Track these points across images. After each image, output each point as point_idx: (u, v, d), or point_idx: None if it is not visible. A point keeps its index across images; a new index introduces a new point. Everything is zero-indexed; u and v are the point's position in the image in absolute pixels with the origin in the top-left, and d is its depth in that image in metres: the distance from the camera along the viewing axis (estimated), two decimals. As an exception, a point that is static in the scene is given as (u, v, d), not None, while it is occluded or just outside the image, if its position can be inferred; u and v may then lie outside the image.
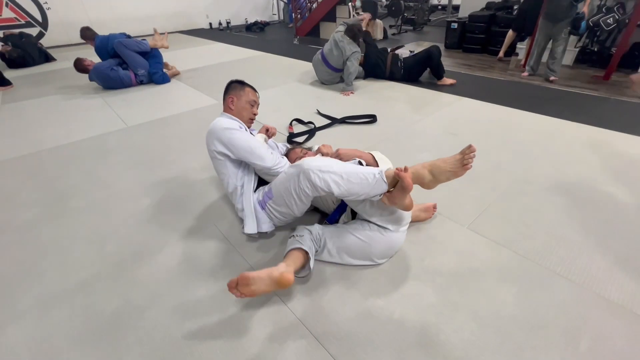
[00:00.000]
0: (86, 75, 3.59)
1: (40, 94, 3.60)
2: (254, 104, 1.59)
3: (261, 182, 1.48)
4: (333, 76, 3.40)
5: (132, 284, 1.24)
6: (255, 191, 1.42)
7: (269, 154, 1.37)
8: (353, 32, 3.12)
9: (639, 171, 1.81)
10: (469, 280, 1.19)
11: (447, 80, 3.35)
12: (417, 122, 2.53)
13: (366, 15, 3.68)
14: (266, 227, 1.36)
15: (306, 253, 1.16)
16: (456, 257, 1.29)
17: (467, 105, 2.85)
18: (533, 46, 3.82)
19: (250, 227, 1.34)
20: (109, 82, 3.52)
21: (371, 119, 2.56)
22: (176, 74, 4.04)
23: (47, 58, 5.20)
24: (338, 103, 2.97)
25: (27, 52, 4.92)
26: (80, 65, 3.56)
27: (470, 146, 1.07)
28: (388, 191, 1.10)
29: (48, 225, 1.58)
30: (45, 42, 6.06)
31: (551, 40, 3.64)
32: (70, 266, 1.33)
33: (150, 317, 1.11)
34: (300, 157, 1.47)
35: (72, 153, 2.28)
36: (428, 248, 1.34)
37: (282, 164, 1.39)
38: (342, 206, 1.35)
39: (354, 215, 1.33)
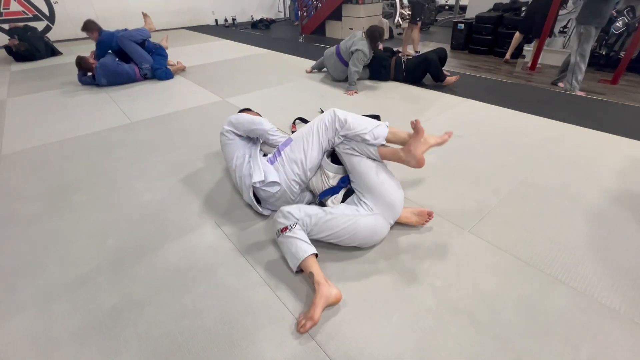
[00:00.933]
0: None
1: (46, 87, 3.62)
2: None
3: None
4: (343, 71, 3.35)
5: (132, 279, 1.25)
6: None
7: (267, 121, 1.61)
8: (374, 34, 3.11)
9: (645, 178, 1.78)
10: (469, 284, 1.19)
11: (450, 80, 3.28)
12: (422, 123, 2.51)
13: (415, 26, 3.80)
14: (273, 176, 1.41)
15: (316, 255, 1.19)
16: (456, 261, 1.28)
17: (472, 107, 2.83)
18: (581, 59, 3.42)
19: (258, 176, 1.41)
20: (116, 77, 3.52)
21: (374, 119, 2.54)
22: (181, 69, 4.04)
23: (53, 52, 5.23)
24: (342, 102, 2.96)
25: (33, 45, 4.95)
26: (86, 64, 3.49)
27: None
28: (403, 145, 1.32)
29: (51, 218, 1.59)
30: (52, 36, 6.09)
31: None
32: (72, 260, 1.34)
33: (150, 312, 1.11)
34: None
35: (76, 147, 2.29)
36: (428, 251, 1.33)
37: (280, 135, 1.61)
38: (334, 188, 1.40)
39: (344, 200, 1.38)
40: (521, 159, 1.99)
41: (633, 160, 1.95)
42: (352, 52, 3.13)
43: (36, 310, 1.14)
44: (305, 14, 7.03)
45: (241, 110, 1.89)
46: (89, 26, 3.54)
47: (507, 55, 4.75)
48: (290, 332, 1.04)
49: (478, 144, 2.17)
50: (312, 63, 4.01)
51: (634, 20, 3.98)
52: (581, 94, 3.40)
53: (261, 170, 1.43)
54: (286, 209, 1.26)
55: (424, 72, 3.38)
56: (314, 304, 1.04)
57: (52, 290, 1.21)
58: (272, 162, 1.46)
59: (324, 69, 3.73)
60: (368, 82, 3.47)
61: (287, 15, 9.65)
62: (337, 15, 6.54)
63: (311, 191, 1.53)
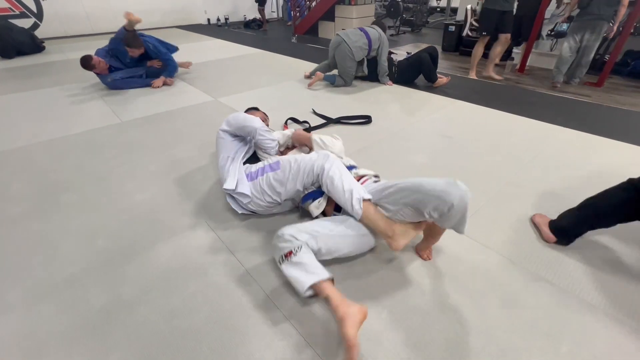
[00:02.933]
0: (78, 68, 3.32)
1: (34, 86, 3.56)
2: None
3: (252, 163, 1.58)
4: (364, 52, 3.20)
5: (121, 280, 1.24)
6: (244, 164, 1.54)
7: (259, 121, 1.57)
8: (383, 26, 3.24)
9: (628, 177, 1.83)
10: (456, 282, 1.21)
11: (441, 81, 3.33)
12: (412, 124, 2.55)
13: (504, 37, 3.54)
14: (244, 188, 1.41)
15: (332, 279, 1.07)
16: (444, 260, 1.31)
17: (461, 108, 2.88)
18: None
19: (229, 183, 1.41)
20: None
21: (366, 119, 2.57)
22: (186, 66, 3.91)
23: (39, 47, 5.10)
24: (334, 103, 2.98)
25: (7, 42, 4.72)
26: (102, 66, 3.24)
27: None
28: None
29: (38, 219, 1.57)
30: (39, 33, 5.97)
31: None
32: (60, 261, 1.33)
33: (139, 313, 1.11)
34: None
35: (65, 147, 2.26)
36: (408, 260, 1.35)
37: (270, 138, 1.59)
38: (315, 192, 1.35)
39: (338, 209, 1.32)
40: (509, 159, 2.04)
41: (617, 161, 2.01)
42: (382, 44, 3.17)
43: (23, 311, 1.13)
44: (298, 14, 7.04)
45: (248, 109, 1.89)
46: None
47: (497, 60, 4.82)
48: (280, 331, 1.05)
49: (467, 144, 2.20)
50: (305, 63, 4.02)
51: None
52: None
53: (235, 179, 1.42)
54: (287, 232, 1.13)
55: (416, 73, 3.41)
56: (344, 334, 0.90)
57: (40, 291, 1.20)
58: (252, 178, 1.42)
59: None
60: (360, 83, 3.50)
61: (281, 16, 9.64)
62: (329, 16, 6.57)
63: (291, 199, 1.47)
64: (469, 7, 3.59)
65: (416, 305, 1.12)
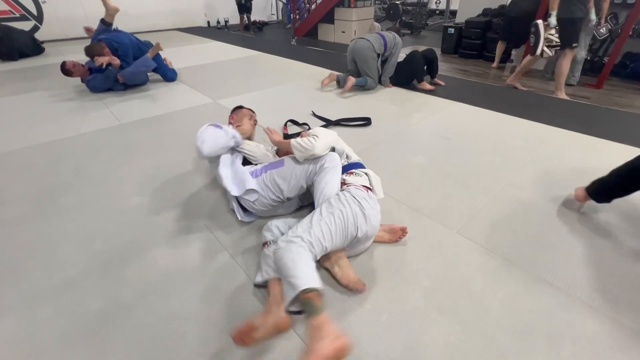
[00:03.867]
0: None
1: (33, 88, 3.56)
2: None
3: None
4: (382, 48, 3.16)
5: (119, 283, 1.23)
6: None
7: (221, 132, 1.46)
8: (398, 32, 3.30)
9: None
10: (456, 284, 1.20)
11: (426, 86, 3.32)
12: (411, 125, 2.55)
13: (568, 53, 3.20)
14: (252, 185, 1.40)
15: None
16: (444, 261, 1.30)
17: (461, 109, 2.88)
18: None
19: (238, 189, 1.40)
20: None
21: (366, 121, 2.57)
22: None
23: (38, 47, 5.12)
24: (333, 105, 2.98)
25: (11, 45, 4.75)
26: (80, 70, 3.24)
27: None
28: None
29: (36, 221, 1.56)
30: (39, 36, 5.98)
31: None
32: (57, 263, 1.32)
33: (137, 316, 1.10)
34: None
35: (64, 149, 2.26)
36: (417, 252, 1.35)
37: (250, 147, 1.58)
38: None
39: None
40: (508, 160, 2.03)
41: (616, 163, 2.00)
42: (396, 44, 3.19)
43: (20, 314, 1.12)
44: (297, 16, 7.06)
45: (234, 109, 1.83)
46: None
47: (495, 64, 4.82)
48: (280, 335, 1.04)
49: (466, 146, 2.20)
50: (304, 65, 4.01)
51: (617, 27, 4.10)
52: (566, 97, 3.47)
53: (241, 183, 1.42)
54: (271, 223, 1.28)
55: (409, 76, 3.37)
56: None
57: (37, 294, 1.19)
58: (255, 176, 1.45)
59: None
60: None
61: (280, 18, 9.66)
62: (329, 18, 6.58)
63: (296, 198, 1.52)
64: (539, 22, 3.21)
65: (416, 307, 1.12)
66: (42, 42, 5.32)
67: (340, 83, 3.41)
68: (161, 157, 2.12)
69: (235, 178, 1.43)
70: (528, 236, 1.43)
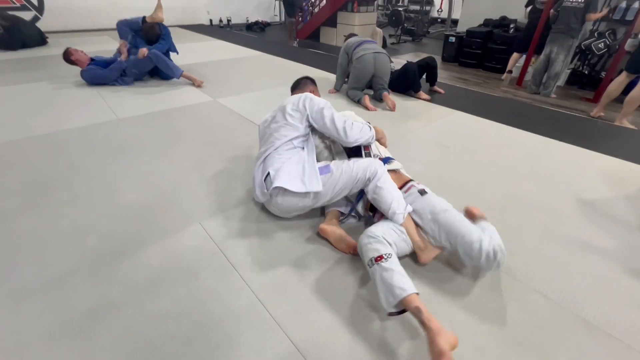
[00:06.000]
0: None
1: (30, 79, 3.52)
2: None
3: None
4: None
5: (110, 281, 1.21)
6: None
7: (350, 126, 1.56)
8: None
9: (621, 193, 1.85)
10: (449, 293, 1.20)
11: (422, 95, 3.32)
12: (410, 133, 2.56)
13: None
14: (319, 186, 1.37)
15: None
16: (438, 270, 1.30)
17: (459, 118, 2.89)
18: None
19: (317, 185, 1.36)
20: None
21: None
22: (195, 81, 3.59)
23: (43, 40, 5.11)
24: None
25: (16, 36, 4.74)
26: (81, 57, 3.29)
27: None
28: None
29: (28, 215, 1.54)
30: (40, 26, 5.93)
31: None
32: (47, 259, 1.30)
33: (127, 315, 1.08)
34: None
35: (58, 143, 2.23)
36: (411, 261, 1.34)
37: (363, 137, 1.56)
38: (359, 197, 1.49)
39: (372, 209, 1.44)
40: (505, 171, 2.04)
41: (611, 176, 2.03)
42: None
43: (6, 310, 1.09)
44: (300, 19, 7.08)
45: (301, 79, 1.88)
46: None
47: (504, 76, 4.83)
48: (271, 338, 1.03)
49: (464, 155, 2.21)
50: (305, 67, 4.00)
51: (614, 42, 4.16)
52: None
53: (319, 178, 1.36)
54: (377, 233, 1.17)
55: (403, 85, 3.33)
56: (439, 346, 0.90)
57: (24, 290, 1.16)
58: (322, 173, 1.42)
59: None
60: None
61: (283, 19, 9.69)
62: (332, 21, 6.61)
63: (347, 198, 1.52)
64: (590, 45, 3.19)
65: (409, 318, 1.11)
66: (47, 36, 5.29)
67: (361, 102, 3.12)
68: (157, 154, 2.10)
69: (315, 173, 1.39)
70: (522, 247, 1.43)
